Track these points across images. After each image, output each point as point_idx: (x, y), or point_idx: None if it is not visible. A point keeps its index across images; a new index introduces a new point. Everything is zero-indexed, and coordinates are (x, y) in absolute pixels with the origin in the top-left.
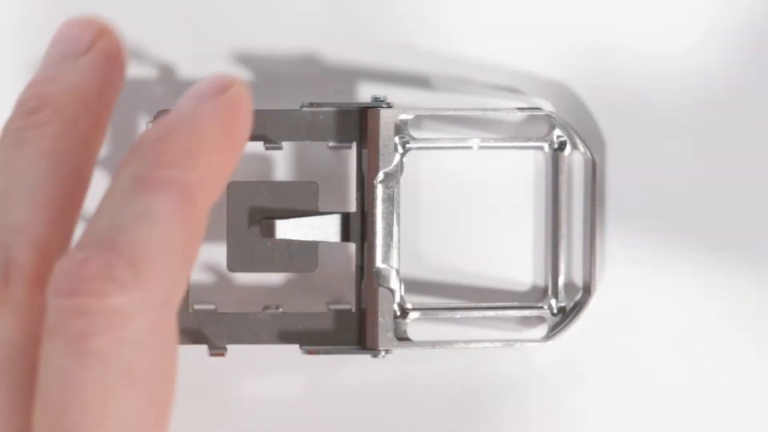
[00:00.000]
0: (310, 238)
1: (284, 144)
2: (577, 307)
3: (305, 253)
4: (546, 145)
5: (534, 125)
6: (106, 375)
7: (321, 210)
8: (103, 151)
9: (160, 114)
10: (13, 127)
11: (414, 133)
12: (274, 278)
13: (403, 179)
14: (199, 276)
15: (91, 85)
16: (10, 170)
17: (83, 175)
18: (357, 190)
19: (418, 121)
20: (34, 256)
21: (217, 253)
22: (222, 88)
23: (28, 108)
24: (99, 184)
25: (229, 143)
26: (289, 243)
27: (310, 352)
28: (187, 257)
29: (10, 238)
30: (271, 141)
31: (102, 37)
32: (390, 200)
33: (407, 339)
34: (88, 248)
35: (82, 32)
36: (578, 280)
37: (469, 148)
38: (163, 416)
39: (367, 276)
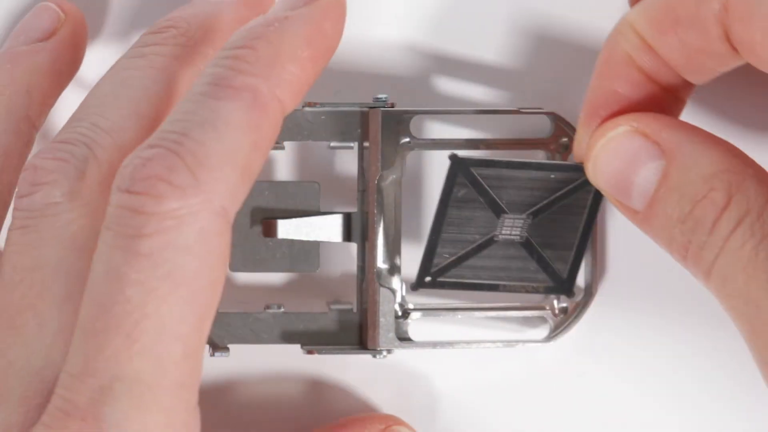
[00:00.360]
0: (311, 238)
1: (286, 144)
2: (579, 308)
3: (307, 253)
4: (548, 146)
5: (536, 125)
6: (151, 276)
7: (322, 210)
8: None
9: None
10: (139, 43)
11: (415, 132)
12: (275, 278)
13: (404, 179)
14: None
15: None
16: (118, 77)
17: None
18: (358, 190)
19: (420, 121)
20: (114, 157)
21: None
22: None
23: (158, 27)
24: None
25: (312, 55)
26: (290, 243)
27: (310, 352)
28: (249, 170)
29: (97, 136)
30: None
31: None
32: (391, 200)
33: (408, 339)
34: (154, 148)
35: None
36: (580, 281)
37: (471, 148)
38: (203, 324)
39: (368, 276)
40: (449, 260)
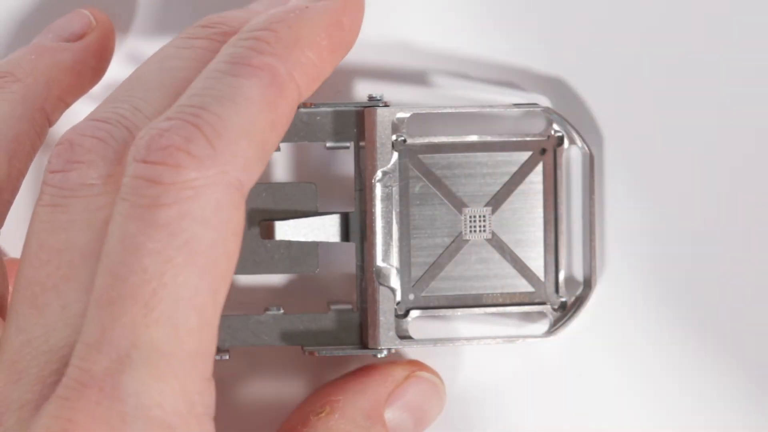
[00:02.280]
0: (309, 238)
1: (282, 145)
2: (578, 302)
3: (305, 253)
4: (544, 141)
5: (532, 121)
6: (168, 245)
7: (320, 210)
8: None
9: None
10: (189, 34)
11: (411, 131)
12: (274, 279)
13: (401, 177)
14: None
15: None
16: (165, 65)
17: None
18: (356, 189)
19: (416, 119)
20: None
21: None
22: None
23: (210, 22)
24: None
25: (331, 44)
26: (288, 244)
27: (311, 353)
28: (265, 148)
29: (138, 120)
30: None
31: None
32: (388, 199)
33: (409, 337)
34: (171, 119)
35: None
36: (579, 275)
37: (467, 145)
38: (218, 295)
39: (367, 275)
40: (426, 270)
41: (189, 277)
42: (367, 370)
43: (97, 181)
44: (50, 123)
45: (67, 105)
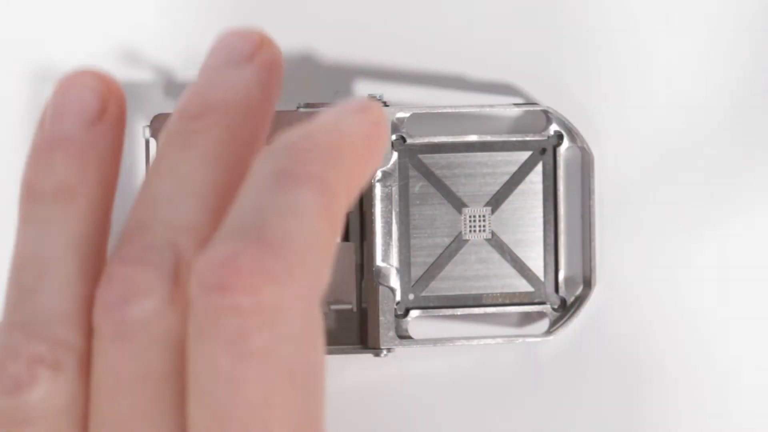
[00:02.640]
0: None
1: None
2: (578, 302)
3: None
4: (544, 140)
5: (531, 121)
6: (267, 372)
7: None
8: None
9: (156, 118)
10: (178, 131)
11: (410, 130)
12: None
13: (400, 177)
14: None
15: (253, 93)
16: (177, 173)
17: (241, 179)
18: None
19: (416, 119)
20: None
21: None
22: (364, 107)
23: (191, 113)
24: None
25: (369, 150)
26: None
27: None
28: (330, 251)
29: (179, 238)
30: (268, 142)
31: (263, 48)
32: (388, 199)
33: (409, 337)
34: (234, 241)
35: (243, 42)
36: (578, 275)
37: (467, 144)
38: (322, 408)
39: (367, 275)
40: (426, 270)
41: (295, 399)
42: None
43: (161, 306)
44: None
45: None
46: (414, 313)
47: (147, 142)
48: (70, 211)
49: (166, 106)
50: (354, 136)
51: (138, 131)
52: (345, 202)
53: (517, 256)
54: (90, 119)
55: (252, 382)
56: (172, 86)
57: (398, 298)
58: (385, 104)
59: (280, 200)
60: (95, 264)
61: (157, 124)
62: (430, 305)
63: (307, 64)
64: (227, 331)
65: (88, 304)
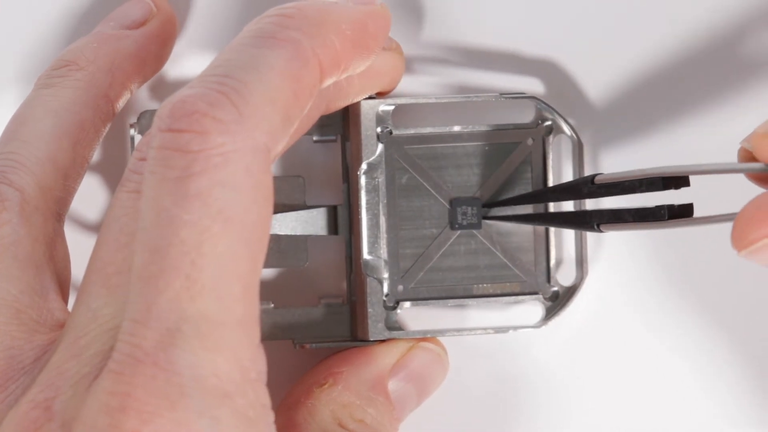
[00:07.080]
0: (298, 232)
1: None
2: (570, 292)
3: (295, 247)
4: (532, 130)
5: (519, 110)
6: (203, 216)
7: (308, 204)
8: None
9: (143, 114)
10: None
11: (397, 122)
12: (264, 274)
13: (387, 169)
14: None
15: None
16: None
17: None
18: (343, 182)
19: (402, 110)
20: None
21: None
22: (367, 0)
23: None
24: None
25: (354, 38)
26: (278, 238)
27: (302, 346)
28: (289, 117)
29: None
30: None
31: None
32: (375, 191)
33: (399, 329)
34: (194, 87)
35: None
36: (571, 265)
37: (454, 135)
38: (258, 260)
39: (355, 268)
40: (415, 262)
41: (228, 246)
42: (371, 348)
43: None
44: (114, 110)
45: (131, 92)
46: (404, 305)
47: (132, 139)
48: (71, 78)
49: (154, 104)
50: (343, 17)
51: (126, 129)
52: (318, 72)
53: (508, 247)
54: (124, 25)
55: (187, 223)
56: (161, 85)
57: (387, 290)
58: (370, 96)
59: (249, 57)
60: (69, 131)
61: (143, 120)
62: (421, 297)
63: None
64: (171, 171)
65: (53, 159)
